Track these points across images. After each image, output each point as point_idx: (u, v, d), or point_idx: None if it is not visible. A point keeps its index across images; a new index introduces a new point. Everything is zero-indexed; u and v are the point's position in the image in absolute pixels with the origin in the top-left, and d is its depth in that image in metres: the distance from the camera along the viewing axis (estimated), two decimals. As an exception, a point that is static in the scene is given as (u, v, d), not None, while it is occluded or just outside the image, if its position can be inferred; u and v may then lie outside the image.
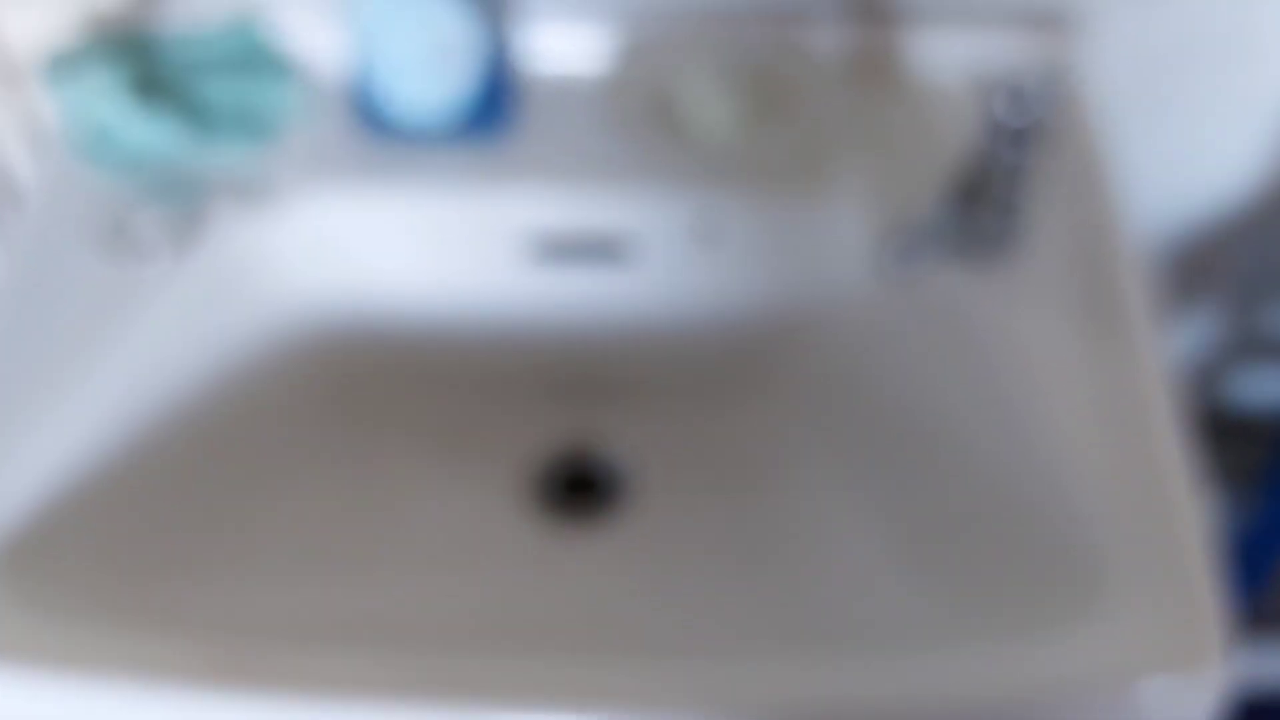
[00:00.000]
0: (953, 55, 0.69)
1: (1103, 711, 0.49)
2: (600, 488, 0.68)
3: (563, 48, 0.68)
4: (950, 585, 0.57)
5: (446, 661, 0.50)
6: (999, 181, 0.58)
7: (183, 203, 0.63)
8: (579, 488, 0.68)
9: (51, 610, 0.51)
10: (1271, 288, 0.86)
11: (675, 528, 0.66)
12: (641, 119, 0.66)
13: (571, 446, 0.70)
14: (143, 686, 0.49)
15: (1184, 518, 0.53)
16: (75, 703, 0.50)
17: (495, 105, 0.65)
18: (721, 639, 0.59)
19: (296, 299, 0.66)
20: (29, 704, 0.50)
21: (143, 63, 0.66)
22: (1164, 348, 0.58)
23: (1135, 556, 0.51)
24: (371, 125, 0.66)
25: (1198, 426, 0.95)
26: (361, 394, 0.70)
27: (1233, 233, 0.82)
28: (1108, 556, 0.52)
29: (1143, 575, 0.51)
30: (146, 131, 0.63)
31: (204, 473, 0.61)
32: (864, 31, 0.69)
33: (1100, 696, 0.49)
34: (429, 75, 0.62)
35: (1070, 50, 0.69)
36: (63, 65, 0.65)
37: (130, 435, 0.59)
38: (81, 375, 0.58)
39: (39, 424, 0.56)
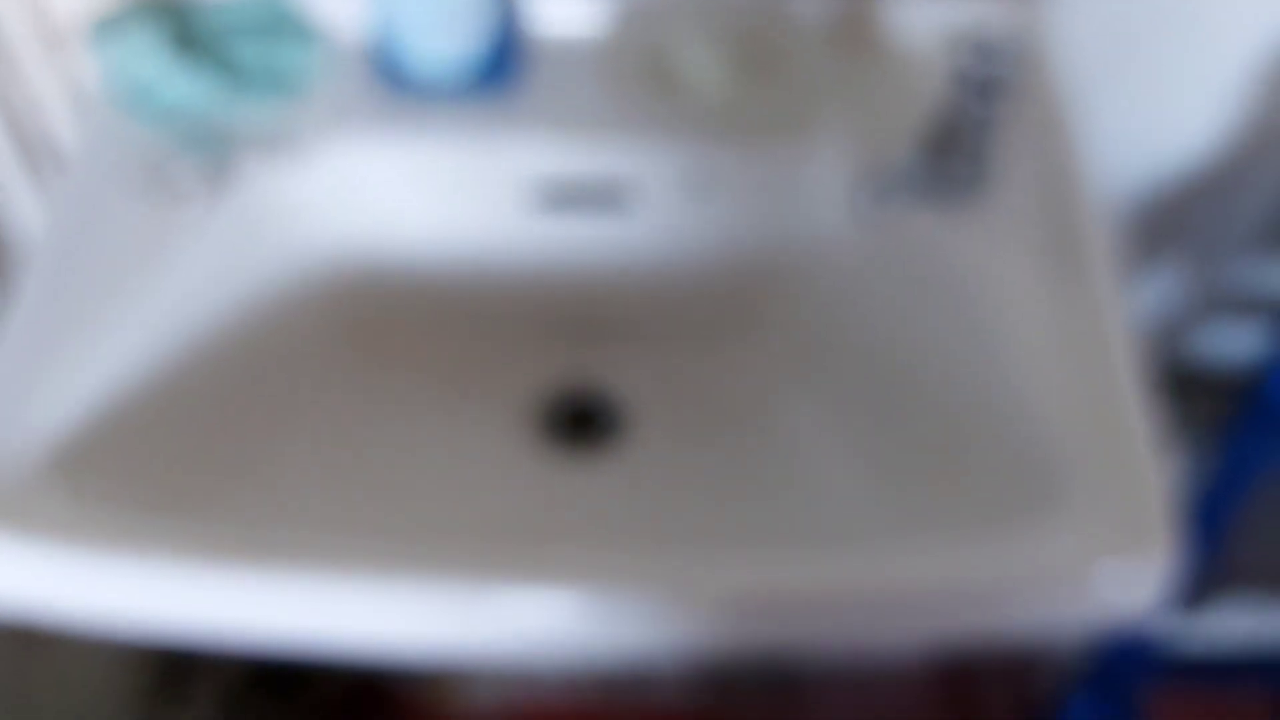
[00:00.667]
0: (930, 21, 0.73)
1: (1062, 594, 0.54)
2: (599, 422, 0.73)
3: (565, 12, 0.73)
4: (923, 490, 0.62)
5: (452, 541, 0.55)
6: (967, 130, 0.63)
7: (215, 152, 0.68)
8: (579, 421, 0.73)
9: (103, 500, 0.56)
10: (1234, 245, 0.91)
11: (669, 457, 0.71)
12: (638, 78, 0.71)
13: (572, 383, 0.75)
14: (183, 564, 0.54)
15: (1136, 427, 0.57)
16: (125, 581, 0.55)
17: (503, 63, 0.70)
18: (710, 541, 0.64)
19: (318, 242, 0.71)
20: (85, 584, 0.55)
21: (179, 26, 0.71)
22: (1121, 285, 0.62)
23: (1091, 459, 0.56)
24: (389, 81, 0.70)
25: (1162, 380, 1.00)
26: (377, 331, 0.74)
27: (1196, 192, 0.87)
28: (1067, 460, 0.56)
29: (1098, 475, 0.56)
30: (184, 86, 0.67)
31: (234, 394, 0.66)
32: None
33: (1059, 580, 0.54)
34: (442, 34, 0.67)
35: (1040, 15, 0.74)
36: (107, 28, 0.70)
37: (169, 359, 0.64)
38: (125, 305, 0.63)
39: (89, 348, 0.61)
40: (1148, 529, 0.54)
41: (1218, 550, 1.06)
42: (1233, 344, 0.99)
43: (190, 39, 0.71)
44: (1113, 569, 0.54)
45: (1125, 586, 0.54)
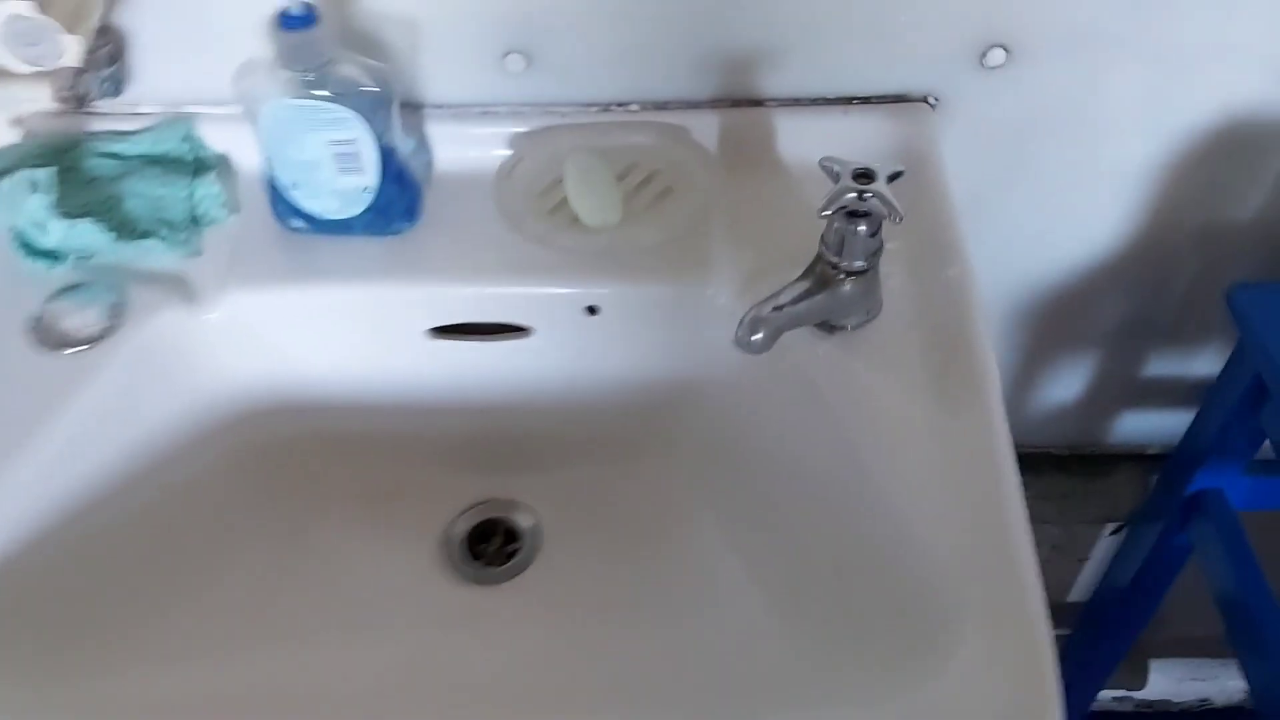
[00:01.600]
0: (821, 136, 0.73)
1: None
2: (510, 546, 0.72)
3: (465, 151, 0.73)
4: (817, 619, 0.61)
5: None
6: (850, 258, 0.63)
7: (107, 296, 0.67)
8: (491, 547, 0.73)
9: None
10: (1134, 336, 0.91)
11: (577, 579, 0.71)
12: (533, 210, 0.71)
13: (485, 509, 0.74)
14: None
15: (1025, 574, 0.57)
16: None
17: (402, 202, 0.69)
18: (613, 687, 0.63)
19: (222, 383, 0.70)
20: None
21: (70, 165, 0.70)
22: (1003, 412, 0.62)
23: (980, 611, 0.55)
24: (286, 219, 0.69)
25: (1077, 463, 1.01)
26: (284, 469, 0.74)
27: (1096, 288, 0.87)
28: (954, 599, 0.56)
29: (986, 629, 0.55)
30: (64, 234, 0.66)
31: (136, 549, 0.65)
32: (736, 116, 0.74)
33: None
34: (333, 175, 0.66)
35: (928, 130, 0.74)
36: (-10, 173, 0.68)
37: (59, 515, 0.62)
38: (11, 456, 0.61)
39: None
40: (1037, 693, 0.53)
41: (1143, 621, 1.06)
42: (1136, 426, 0.99)
43: (83, 179, 0.70)
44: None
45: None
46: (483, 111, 0.73)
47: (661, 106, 0.74)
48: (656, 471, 0.74)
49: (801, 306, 0.64)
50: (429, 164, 0.73)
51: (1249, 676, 0.83)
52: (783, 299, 0.63)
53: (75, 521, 0.63)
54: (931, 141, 0.74)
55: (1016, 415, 0.97)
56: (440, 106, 0.73)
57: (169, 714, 0.61)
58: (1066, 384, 0.96)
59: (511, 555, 0.72)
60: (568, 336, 0.70)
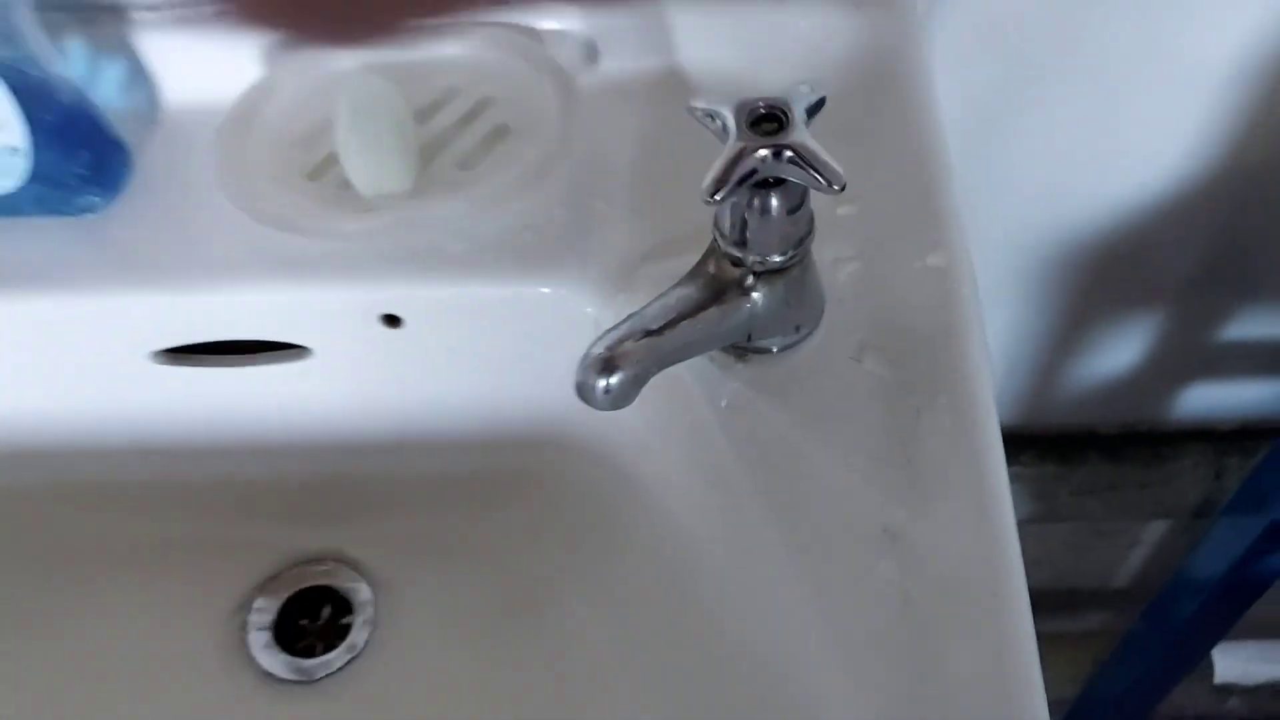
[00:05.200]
0: (740, 42, 0.47)
1: None
2: (334, 621, 0.49)
3: (201, 67, 0.47)
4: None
5: None
6: (764, 250, 0.37)
7: None
8: (310, 623, 0.50)
9: None
10: (1205, 291, 0.65)
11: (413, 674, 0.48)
12: (297, 167, 0.45)
13: (298, 575, 0.51)
14: None
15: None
16: None
17: (74, 163, 0.44)
18: None
19: None
20: None
21: None
22: (1008, 498, 0.37)
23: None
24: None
25: (1130, 445, 0.75)
26: (19, 529, 0.51)
27: (1156, 232, 0.60)
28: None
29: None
30: None
31: None
32: (610, 15, 0.47)
33: None
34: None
35: (903, 25, 0.47)
36: None
37: None
38: None
39: None
40: None
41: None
42: (1208, 399, 0.73)
43: None
44: None
45: None
46: (219, 10, 0.47)
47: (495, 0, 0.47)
48: (510, 527, 0.50)
49: (686, 329, 0.38)
50: (147, 101, 0.47)
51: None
52: (655, 318, 0.38)
53: None
54: (907, 43, 0.47)
55: (1050, 392, 0.72)
56: (156, 8, 0.47)
57: None
58: (1116, 352, 0.70)
59: (340, 634, 0.49)
60: (363, 356, 0.46)
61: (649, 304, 0.38)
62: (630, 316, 0.37)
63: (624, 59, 0.48)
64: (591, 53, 0.48)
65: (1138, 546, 0.87)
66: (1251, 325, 0.67)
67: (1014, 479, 0.38)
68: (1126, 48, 0.51)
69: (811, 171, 0.34)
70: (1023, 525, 0.36)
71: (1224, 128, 0.55)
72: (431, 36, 0.47)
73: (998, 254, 0.60)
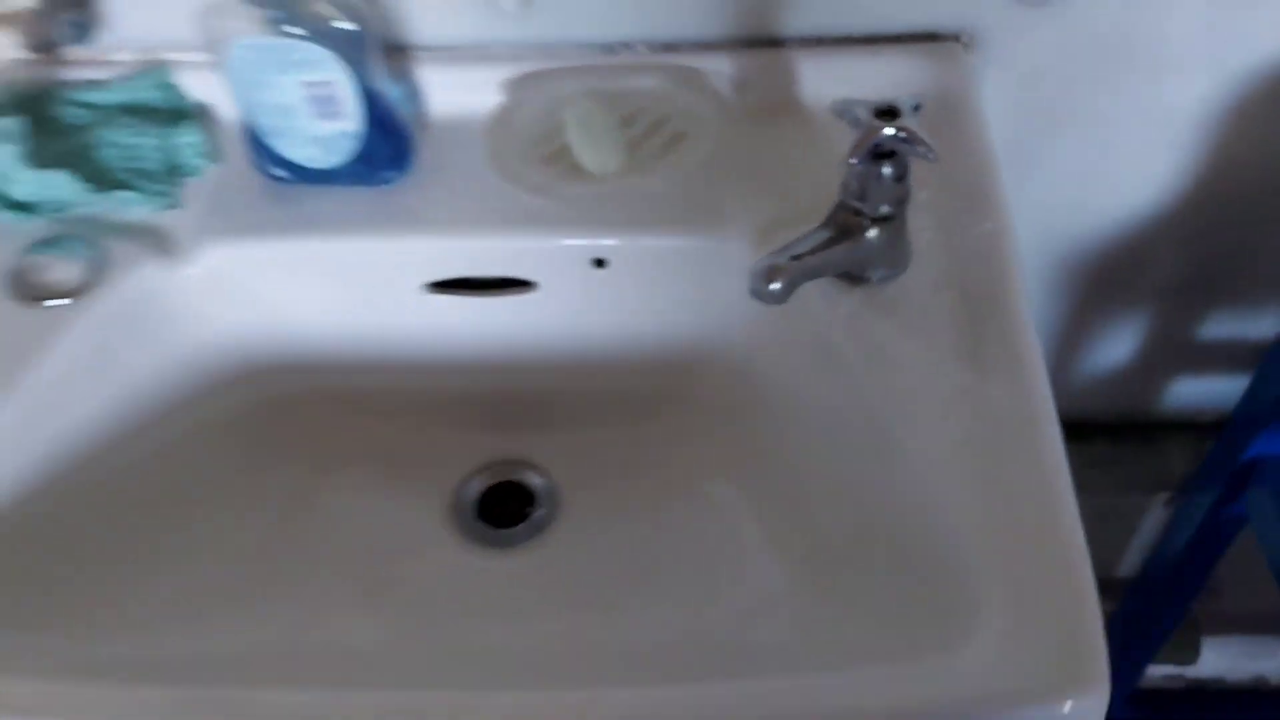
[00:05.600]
0: (846, 79, 0.65)
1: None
2: (525, 505, 0.66)
3: (459, 95, 0.66)
4: (835, 585, 0.54)
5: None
6: (875, 205, 0.55)
7: (85, 248, 0.61)
8: (505, 506, 0.66)
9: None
10: (1189, 295, 0.82)
11: (593, 540, 0.64)
12: (535, 155, 0.63)
13: (497, 470, 0.68)
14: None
15: (1070, 545, 0.49)
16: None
17: (388, 150, 0.62)
18: (630, 651, 0.57)
19: (209, 339, 0.65)
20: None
21: (42, 115, 0.64)
22: (1044, 374, 0.54)
23: (1011, 572, 0.48)
24: (269, 168, 0.63)
25: (1128, 431, 0.92)
26: (287, 428, 0.68)
27: (1149, 243, 0.78)
28: (983, 573, 0.48)
29: (1027, 601, 0.47)
30: (36, 185, 0.60)
31: (128, 506, 0.60)
32: (755, 58, 0.66)
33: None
34: (311, 120, 0.59)
35: (962, 72, 0.66)
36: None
37: (42, 471, 0.57)
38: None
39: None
40: (1084, 662, 0.46)
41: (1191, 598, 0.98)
42: (1192, 391, 0.90)
43: (55, 128, 0.64)
44: (1038, 712, 0.46)
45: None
46: (477, 54, 0.66)
47: (670, 48, 0.66)
48: (673, 431, 0.67)
49: (821, 256, 0.56)
50: (420, 111, 0.66)
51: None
52: (801, 248, 0.56)
53: (60, 478, 0.58)
54: (966, 85, 0.66)
55: (1062, 381, 0.89)
56: (430, 49, 0.66)
57: (155, 676, 0.55)
58: (1116, 347, 0.87)
59: (524, 518, 0.65)
60: (575, 290, 0.64)
61: (798, 238, 0.56)
62: (785, 245, 0.55)
63: (762, 91, 0.66)
64: (740, 86, 0.66)
65: (1135, 535, 1.03)
66: (1230, 327, 0.85)
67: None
68: (1121, 98, 0.70)
69: (916, 146, 0.53)
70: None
71: (1195, 161, 0.73)
72: (628, 73, 0.66)
73: (1026, 247, 0.78)
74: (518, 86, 0.66)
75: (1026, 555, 0.49)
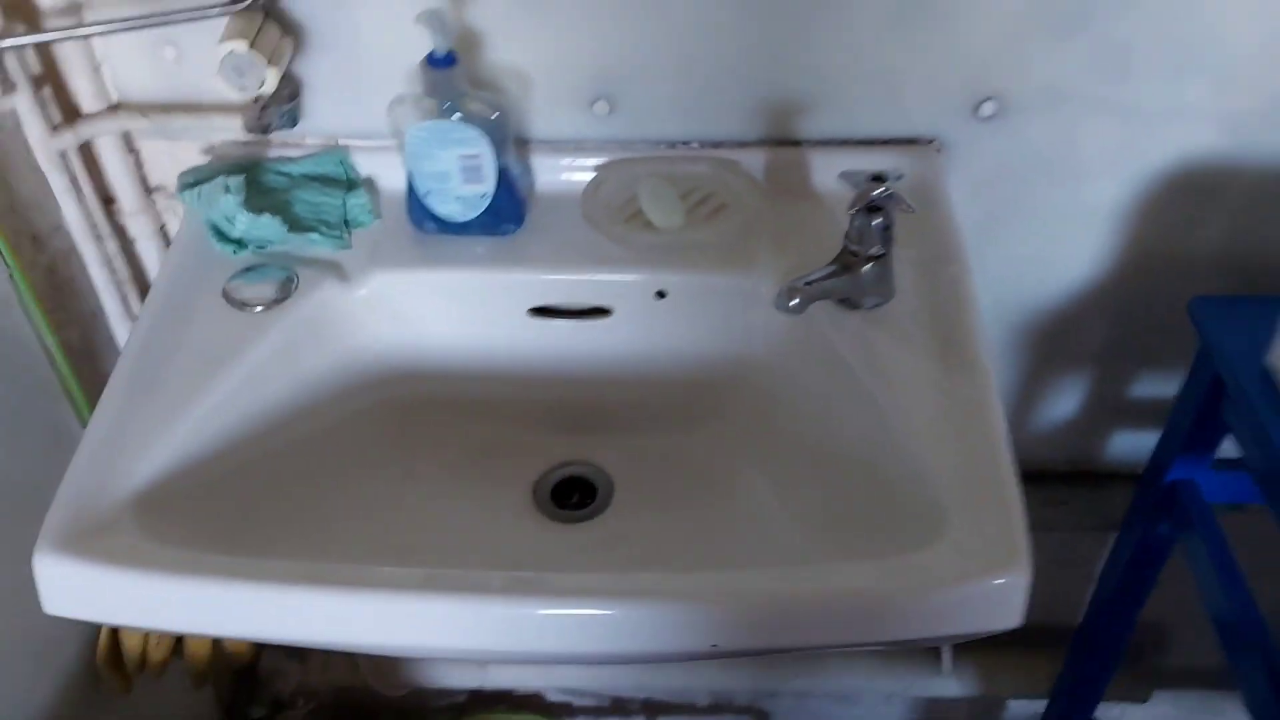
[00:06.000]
0: (848, 169, 0.88)
1: (948, 606, 0.64)
2: (588, 494, 0.84)
3: (561, 174, 0.89)
4: (842, 531, 0.73)
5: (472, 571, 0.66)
6: (868, 246, 0.76)
7: (279, 274, 0.82)
8: (573, 494, 0.85)
9: (173, 541, 0.68)
10: (1116, 358, 1.03)
11: (645, 517, 0.83)
12: (615, 216, 0.85)
13: (567, 463, 0.87)
14: (249, 590, 0.65)
15: (1005, 481, 0.68)
16: (196, 609, 0.66)
17: (511, 208, 0.84)
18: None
19: (365, 347, 0.85)
20: (159, 614, 0.66)
21: (251, 179, 0.86)
22: (994, 379, 0.74)
23: (969, 505, 0.67)
24: (421, 222, 0.85)
25: (1078, 479, 1.11)
26: (409, 423, 0.87)
27: (1081, 312, 0.99)
28: (951, 505, 0.67)
29: (974, 516, 0.66)
30: (249, 226, 0.82)
31: (288, 464, 0.78)
32: (779, 153, 0.89)
33: (947, 592, 0.64)
34: (460, 184, 0.81)
35: (934, 167, 0.88)
36: (191, 180, 0.85)
37: (234, 433, 0.76)
38: (203, 388, 0.76)
39: (173, 419, 0.74)
40: (1013, 555, 0.65)
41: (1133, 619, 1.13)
42: (1122, 443, 1.10)
43: (261, 189, 0.86)
44: (986, 585, 0.64)
45: (998, 598, 0.64)
46: (574, 146, 0.89)
47: (717, 145, 0.89)
48: (711, 435, 0.86)
49: (828, 283, 0.77)
50: (531, 184, 0.88)
51: (1237, 669, 0.89)
52: (813, 277, 0.77)
53: (247, 442, 0.77)
54: (937, 177, 0.88)
55: (1020, 433, 1.09)
56: (542, 141, 0.89)
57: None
58: (1063, 403, 1.07)
59: (591, 502, 0.84)
60: (641, 316, 0.84)
61: (811, 272, 0.77)
62: (801, 275, 0.76)
63: (784, 177, 0.89)
64: (769, 173, 0.89)
65: (1091, 582, 1.21)
66: (1152, 387, 1.05)
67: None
68: (1053, 195, 0.92)
69: (899, 202, 0.74)
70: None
71: (1112, 246, 0.95)
72: (686, 161, 0.89)
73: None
74: (604, 169, 0.88)
75: (976, 489, 0.69)
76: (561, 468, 0.87)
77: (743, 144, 0.89)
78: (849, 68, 0.85)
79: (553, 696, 1.49)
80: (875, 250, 0.77)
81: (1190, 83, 0.86)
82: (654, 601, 0.64)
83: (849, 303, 0.80)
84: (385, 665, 1.37)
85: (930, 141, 0.89)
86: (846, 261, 0.78)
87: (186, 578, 0.66)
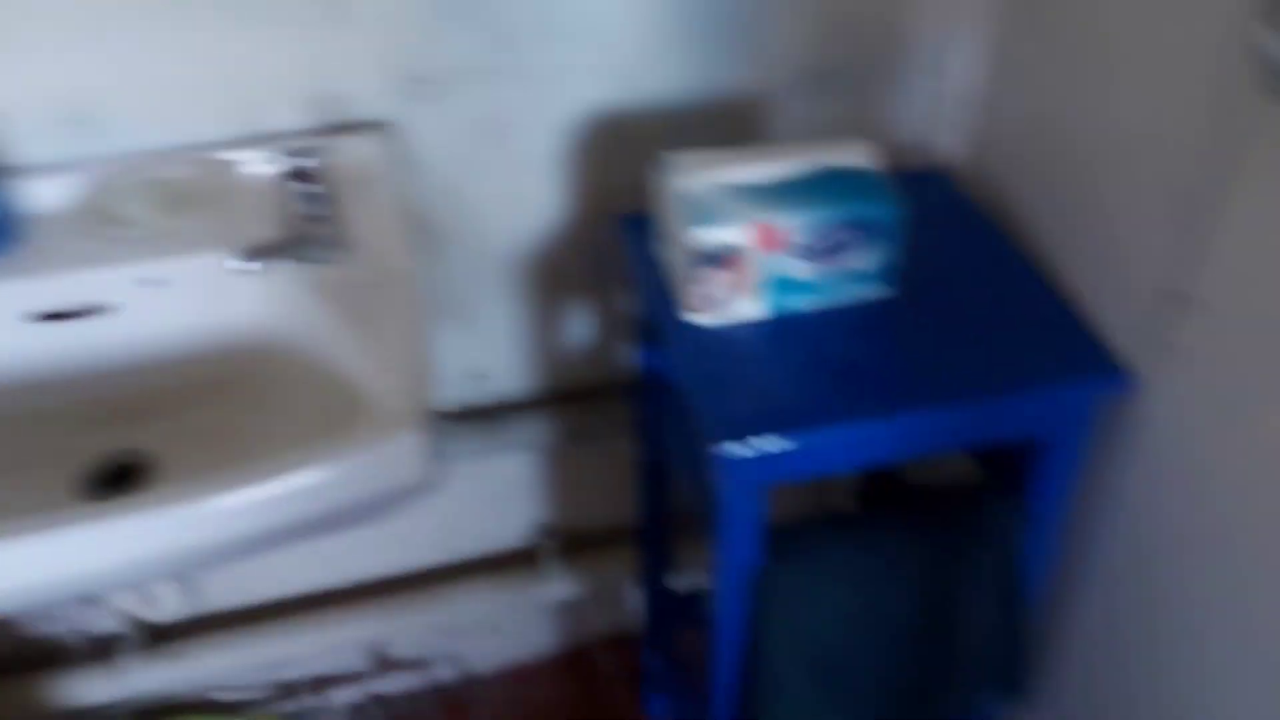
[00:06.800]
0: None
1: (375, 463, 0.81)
2: (134, 475, 0.95)
3: (43, 189, 0.99)
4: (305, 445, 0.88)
5: None
6: (312, 214, 0.92)
7: None
8: (119, 478, 0.95)
9: None
10: (600, 285, 1.23)
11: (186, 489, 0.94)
12: (95, 225, 0.97)
13: (109, 452, 0.97)
14: None
15: (419, 370, 0.86)
16: None
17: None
18: None
19: None
20: None
21: None
22: (423, 311, 0.91)
23: (393, 400, 0.84)
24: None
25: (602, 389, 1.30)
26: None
27: (560, 245, 1.19)
28: (378, 403, 0.84)
29: (396, 404, 0.83)
30: None
31: None
32: (247, 152, 1.03)
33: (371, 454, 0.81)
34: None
35: (384, 144, 1.04)
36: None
37: None
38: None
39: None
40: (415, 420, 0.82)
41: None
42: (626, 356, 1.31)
43: None
44: (397, 443, 0.81)
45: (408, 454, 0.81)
46: (60, 166, 1.00)
47: (197, 148, 1.02)
48: (232, 405, 0.99)
49: (284, 245, 0.92)
50: (18, 207, 0.98)
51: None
52: (269, 240, 0.92)
53: None
54: (385, 155, 1.04)
55: (552, 358, 1.27)
56: (28, 166, 0.99)
57: None
58: (576, 327, 1.26)
59: (137, 482, 0.95)
60: (139, 306, 0.96)
61: (267, 240, 0.91)
62: (260, 242, 0.91)
63: (240, 173, 1.03)
64: (235, 170, 1.03)
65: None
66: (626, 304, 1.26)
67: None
68: (506, 154, 1.11)
69: (321, 173, 0.90)
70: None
71: (561, 187, 1.15)
72: (166, 166, 1.01)
73: (483, 262, 1.16)
74: (89, 180, 0.99)
75: (396, 383, 0.86)
76: (104, 459, 0.96)
77: (216, 145, 1.03)
78: (286, 75, 1.01)
79: (223, 695, 1.56)
80: (318, 213, 0.92)
81: (565, 48, 1.06)
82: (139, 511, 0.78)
83: (306, 258, 0.94)
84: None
85: (381, 126, 1.05)
86: (297, 227, 0.93)
87: None
